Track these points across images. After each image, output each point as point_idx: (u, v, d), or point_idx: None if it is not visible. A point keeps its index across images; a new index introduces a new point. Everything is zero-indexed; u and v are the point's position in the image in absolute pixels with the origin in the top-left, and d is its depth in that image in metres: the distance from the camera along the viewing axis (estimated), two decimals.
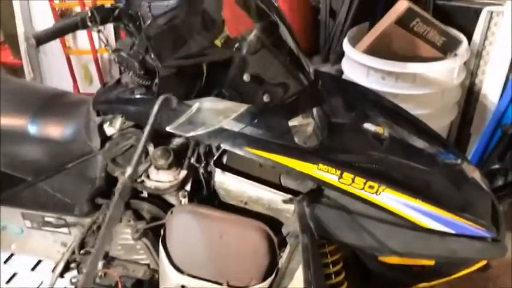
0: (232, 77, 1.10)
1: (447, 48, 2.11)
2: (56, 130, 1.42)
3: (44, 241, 1.60)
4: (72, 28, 1.04)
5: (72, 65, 2.99)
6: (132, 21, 1.11)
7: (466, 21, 2.22)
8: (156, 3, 1.08)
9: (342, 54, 2.30)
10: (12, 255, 1.68)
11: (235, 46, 1.13)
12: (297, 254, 1.16)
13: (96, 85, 3.01)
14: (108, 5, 1.12)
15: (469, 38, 2.19)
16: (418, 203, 1.11)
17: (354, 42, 2.19)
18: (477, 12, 2.18)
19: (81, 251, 1.42)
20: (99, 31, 1.10)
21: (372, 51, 2.06)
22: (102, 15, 1.06)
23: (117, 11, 1.09)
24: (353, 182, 1.08)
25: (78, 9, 2.81)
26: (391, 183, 1.10)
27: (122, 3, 1.11)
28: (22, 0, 3.00)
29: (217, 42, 1.18)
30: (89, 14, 1.04)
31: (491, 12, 2.14)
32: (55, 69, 3.17)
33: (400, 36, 2.07)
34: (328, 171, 1.08)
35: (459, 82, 2.12)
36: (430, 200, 1.12)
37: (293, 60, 1.20)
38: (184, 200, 1.28)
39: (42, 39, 0.99)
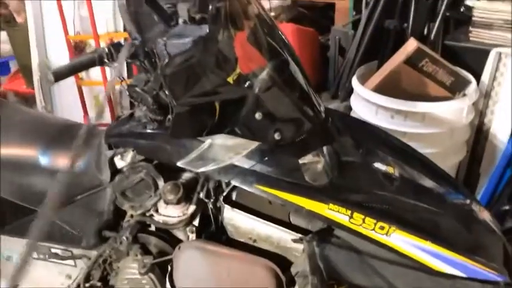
0: (244, 115, 1.11)
1: (456, 88, 2.13)
2: (67, 162, 1.43)
3: (49, 273, 1.59)
4: (90, 64, 1.07)
5: (84, 96, 3.04)
6: (147, 58, 1.13)
7: (474, 61, 2.25)
8: (171, 41, 1.10)
9: (350, 91, 2.32)
10: (16, 286, 1.66)
11: (247, 83, 1.14)
12: None
13: (107, 116, 3.05)
14: (121, 40, 1.15)
15: (478, 78, 2.21)
16: (428, 245, 1.10)
17: (362, 80, 2.21)
18: (486, 53, 2.20)
19: (87, 284, 1.41)
20: (115, 67, 1.12)
21: (380, 89, 2.08)
22: (119, 52, 1.09)
23: (133, 48, 1.12)
24: (363, 222, 1.08)
25: (92, 42, 2.88)
26: (402, 224, 1.09)
27: (137, 41, 1.13)
28: (38, 32, 3.08)
29: (230, 80, 1.20)
30: (106, 51, 1.07)
31: (500, 54, 2.17)
32: (66, 99, 3.22)
33: (409, 76, 2.09)
34: (338, 211, 1.08)
35: (468, 122, 2.12)
36: (441, 241, 1.11)
37: (304, 99, 1.21)
38: (192, 236, 1.27)
39: (60, 75, 1.01)
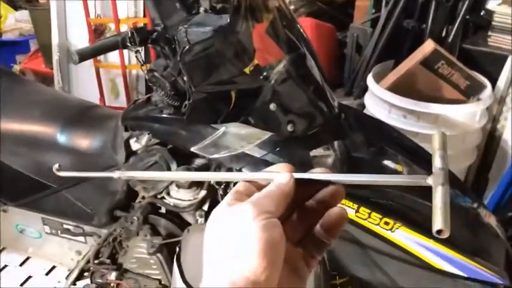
0: (259, 105, 1.14)
1: (470, 92, 2.13)
2: (84, 142, 1.47)
3: (60, 248, 1.64)
4: (113, 47, 1.09)
5: (101, 78, 3.08)
6: (168, 45, 1.16)
7: (491, 66, 2.24)
8: (192, 30, 1.13)
9: (365, 89, 2.33)
10: (28, 258, 1.72)
11: (263, 75, 1.17)
12: (308, 282, 1.17)
13: (122, 99, 3.09)
14: (141, 24, 1.17)
15: (494, 83, 2.21)
16: (431, 243, 1.12)
17: (378, 79, 2.22)
18: (503, 59, 2.19)
19: (96, 261, 1.45)
20: (136, 51, 1.15)
21: (395, 88, 2.09)
22: (141, 37, 1.11)
23: (155, 34, 1.15)
24: (369, 217, 1.10)
25: (112, 26, 2.92)
26: (407, 221, 1.11)
27: (160, 27, 1.16)
28: (59, 12, 3.11)
29: (246, 70, 1.22)
30: (129, 35, 1.09)
31: None
32: (83, 81, 3.26)
33: (424, 77, 2.10)
34: (345, 204, 1.10)
35: (480, 126, 2.12)
36: (444, 241, 1.13)
37: (318, 93, 1.23)
38: (201, 220, 1.31)
39: (85, 55, 1.04)
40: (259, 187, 0.48)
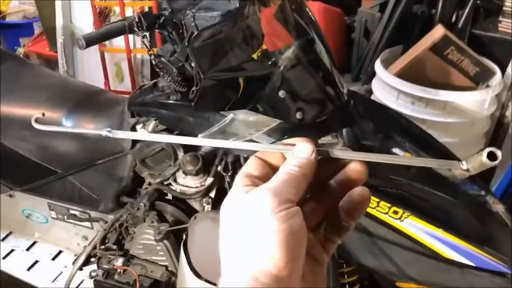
0: (268, 92, 1.12)
1: (480, 79, 2.10)
2: (90, 127, 1.46)
3: (66, 233, 1.64)
4: (119, 32, 1.08)
5: (106, 62, 3.05)
6: (175, 30, 1.14)
7: (501, 53, 2.21)
8: (200, 14, 1.11)
9: (372, 74, 2.30)
10: (35, 242, 1.73)
11: (272, 61, 1.15)
12: None
13: (127, 84, 3.07)
14: (146, 8, 1.15)
15: (503, 70, 2.17)
16: (440, 233, 1.11)
17: (386, 64, 2.19)
18: None
19: (102, 246, 1.45)
20: (143, 36, 1.13)
21: (403, 75, 2.06)
22: (149, 22, 1.09)
23: (162, 19, 1.13)
24: (378, 205, 1.09)
25: (117, 8, 2.88)
26: (416, 210, 1.10)
27: (167, 12, 1.14)
28: None
29: (255, 56, 1.20)
30: (136, 20, 1.08)
31: None
32: (88, 65, 3.24)
33: (433, 63, 2.07)
34: None
35: (489, 113, 2.10)
36: (453, 230, 1.12)
37: (328, 79, 1.21)
38: (208, 207, 1.30)
39: (91, 41, 1.03)
40: (273, 166, 0.44)
